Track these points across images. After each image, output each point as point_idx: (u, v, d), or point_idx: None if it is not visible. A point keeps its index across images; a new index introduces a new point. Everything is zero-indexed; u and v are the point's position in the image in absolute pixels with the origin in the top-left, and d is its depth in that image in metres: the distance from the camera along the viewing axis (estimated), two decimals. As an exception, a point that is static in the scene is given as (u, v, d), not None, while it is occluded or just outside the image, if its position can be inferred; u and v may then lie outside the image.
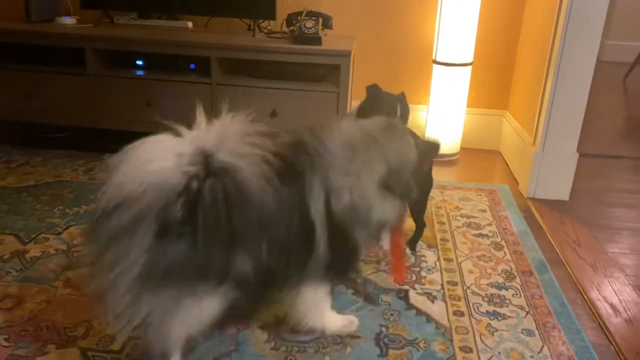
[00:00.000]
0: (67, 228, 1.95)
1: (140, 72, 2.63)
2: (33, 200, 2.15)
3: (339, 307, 1.57)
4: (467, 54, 2.72)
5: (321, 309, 1.41)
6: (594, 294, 1.74)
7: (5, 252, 1.78)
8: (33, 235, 1.89)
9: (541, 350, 1.46)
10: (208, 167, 1.08)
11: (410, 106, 2.97)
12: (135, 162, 1.07)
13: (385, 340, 1.46)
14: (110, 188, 1.05)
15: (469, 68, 2.76)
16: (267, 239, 1.16)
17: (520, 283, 1.76)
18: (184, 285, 1.11)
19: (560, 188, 2.42)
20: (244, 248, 1.13)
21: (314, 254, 1.26)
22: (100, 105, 2.60)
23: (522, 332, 1.53)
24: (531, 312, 1.62)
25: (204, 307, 1.18)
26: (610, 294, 1.74)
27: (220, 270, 1.12)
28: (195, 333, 1.27)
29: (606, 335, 1.55)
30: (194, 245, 1.06)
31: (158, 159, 1.07)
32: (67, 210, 2.08)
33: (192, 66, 2.62)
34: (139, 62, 2.66)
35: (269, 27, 2.79)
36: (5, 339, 1.39)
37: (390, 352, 1.42)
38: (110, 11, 2.85)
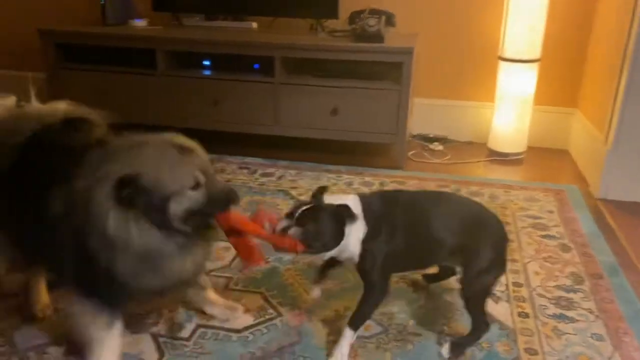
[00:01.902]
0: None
1: (207, 72, 2.72)
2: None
3: (400, 304, 1.57)
4: (535, 50, 2.64)
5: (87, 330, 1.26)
6: (671, 300, 1.65)
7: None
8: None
9: (612, 356, 1.41)
10: None
11: (475, 103, 2.95)
12: None
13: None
14: None
15: (537, 64, 2.67)
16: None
17: (589, 286, 1.70)
18: None
19: (634, 189, 2.31)
20: None
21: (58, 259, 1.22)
22: (169, 104, 2.71)
23: (591, 337, 1.47)
24: (601, 316, 1.56)
25: None
26: (689, 301, 1.65)
27: None
28: None
29: (684, 344, 1.47)
30: None
31: None
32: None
33: (256, 66, 2.69)
34: (206, 63, 2.75)
35: (331, 26, 2.82)
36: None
37: (452, 351, 1.41)
38: (179, 13, 2.97)
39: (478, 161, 2.77)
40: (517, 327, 1.50)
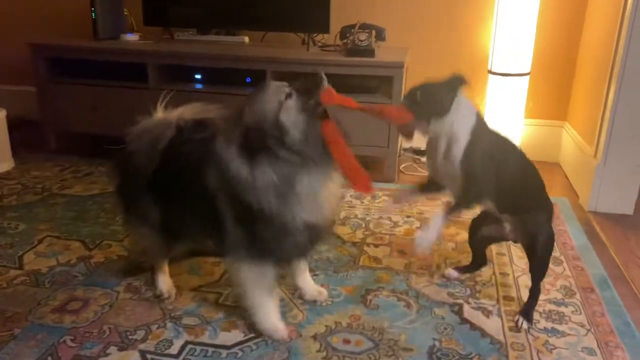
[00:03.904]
0: (127, 235, 2.03)
1: (199, 86, 2.73)
2: (98, 208, 2.26)
3: (391, 319, 1.57)
4: (525, 64, 2.66)
5: (252, 294, 1.46)
6: (662, 314, 1.65)
7: (73, 257, 1.88)
8: (97, 242, 1.98)
9: (603, 370, 1.40)
10: None
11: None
12: None
13: (439, 354, 1.44)
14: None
15: (527, 78, 2.70)
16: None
17: (580, 300, 1.70)
18: None
19: (623, 201, 2.32)
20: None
21: (224, 228, 1.39)
22: (160, 117, 2.71)
23: (582, 351, 1.47)
24: (592, 330, 1.55)
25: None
26: (680, 314, 1.65)
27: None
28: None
29: (675, 357, 1.47)
30: None
31: None
32: (128, 218, 2.17)
33: (249, 79, 2.69)
34: (198, 76, 2.76)
35: (322, 41, 2.84)
36: (71, 340, 1.46)
37: (444, 366, 1.41)
38: (170, 27, 2.97)
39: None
40: (509, 342, 1.50)
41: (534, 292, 1.59)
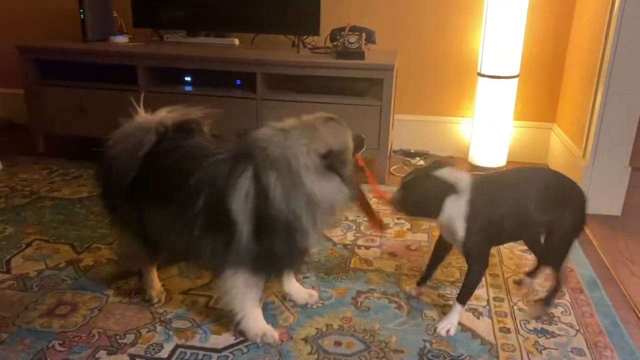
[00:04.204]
0: (114, 240, 2.01)
1: (188, 88, 2.72)
2: (86, 211, 2.24)
3: (382, 321, 1.57)
4: (514, 67, 2.68)
5: (241, 301, 1.46)
6: (650, 314, 1.67)
7: (61, 260, 1.86)
8: (86, 245, 1.97)
9: (592, 370, 1.41)
10: None
11: (456, 119, 2.98)
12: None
13: (429, 355, 1.44)
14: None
15: (515, 80, 2.72)
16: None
17: (569, 300, 1.71)
18: None
19: (611, 203, 2.34)
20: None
21: (233, 241, 1.37)
22: (150, 120, 2.69)
23: (572, 351, 1.48)
24: (581, 330, 1.57)
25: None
26: (667, 314, 1.67)
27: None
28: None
29: (663, 357, 1.48)
30: None
31: None
32: (118, 221, 2.16)
33: (239, 82, 2.69)
34: (187, 79, 2.75)
35: (312, 43, 2.84)
36: (60, 344, 1.45)
37: (434, 367, 1.41)
38: (160, 30, 2.96)
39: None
40: (499, 343, 1.50)
41: (553, 282, 1.64)
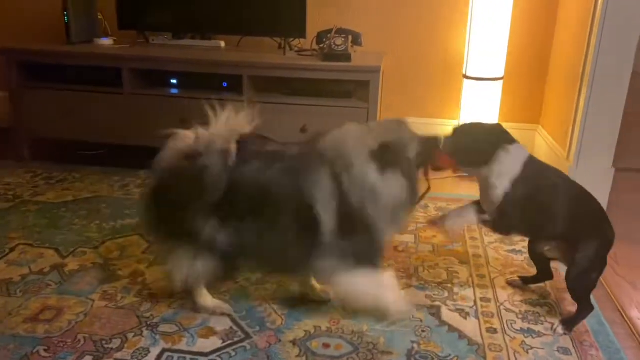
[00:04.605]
0: (103, 242, 2.00)
1: (174, 91, 2.70)
2: (71, 215, 2.21)
3: (370, 322, 1.57)
4: (498, 69, 2.71)
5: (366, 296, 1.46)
6: (634, 313, 1.69)
7: (46, 265, 1.84)
8: (71, 249, 1.95)
9: (578, 369, 1.43)
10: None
11: (442, 121, 3.00)
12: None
13: (417, 356, 1.45)
14: None
15: (500, 82, 2.74)
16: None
17: (555, 300, 1.73)
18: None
19: (596, 203, 2.36)
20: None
21: (321, 241, 1.40)
22: (136, 123, 2.67)
23: (558, 351, 1.49)
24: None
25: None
26: (651, 313, 1.69)
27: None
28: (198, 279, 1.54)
29: (647, 355, 1.50)
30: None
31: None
32: (103, 225, 2.14)
33: (225, 84, 2.68)
34: (173, 81, 2.73)
35: (299, 45, 2.84)
36: (45, 350, 1.43)
37: (422, 368, 1.41)
38: (145, 32, 2.94)
39: (446, 177, 2.80)
40: (486, 343, 1.51)
41: (578, 308, 1.60)
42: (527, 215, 1.54)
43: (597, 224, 1.58)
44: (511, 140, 1.53)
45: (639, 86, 2.44)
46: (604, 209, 1.62)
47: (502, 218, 1.56)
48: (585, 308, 1.58)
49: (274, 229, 1.43)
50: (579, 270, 1.54)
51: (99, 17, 2.93)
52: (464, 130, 1.57)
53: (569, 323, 1.58)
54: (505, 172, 1.51)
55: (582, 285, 1.57)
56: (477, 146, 1.52)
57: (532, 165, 1.54)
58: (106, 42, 2.85)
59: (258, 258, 1.54)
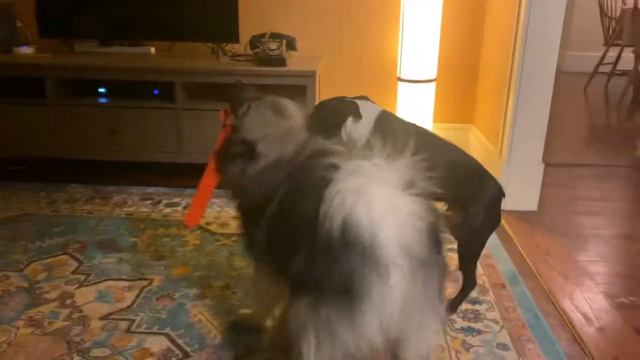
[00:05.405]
0: (29, 264, 1.88)
1: (103, 100, 2.59)
2: (-7, 236, 2.07)
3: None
4: (431, 71, 2.75)
5: None
6: (567, 304, 1.75)
7: (-37, 292, 1.71)
8: (-7, 274, 1.82)
9: (517, 364, 1.46)
10: None
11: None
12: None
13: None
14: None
15: (433, 84, 2.79)
16: None
17: (493, 297, 1.76)
18: None
19: (528, 199, 2.45)
20: None
21: None
22: (62, 135, 2.54)
23: (497, 347, 1.52)
24: (506, 325, 1.61)
25: None
26: (582, 303, 1.75)
27: None
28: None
29: (580, 346, 1.55)
30: None
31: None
32: (29, 245, 2.01)
33: (156, 92, 2.59)
34: (101, 90, 2.62)
35: (233, 50, 2.79)
36: (-38, 387, 1.32)
37: (366, 375, 1.40)
38: (70, 39, 2.81)
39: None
40: (428, 344, 1.52)
41: (463, 285, 1.61)
42: None
43: (477, 182, 1.56)
44: (356, 107, 1.61)
45: (564, 85, 2.54)
46: (482, 166, 1.61)
47: None
48: (469, 284, 1.61)
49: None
50: (469, 230, 1.53)
51: (18, 24, 2.77)
52: (320, 105, 1.65)
53: (454, 303, 1.62)
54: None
55: (472, 250, 1.58)
56: (328, 120, 1.60)
57: (384, 124, 1.62)
58: (27, 50, 2.70)
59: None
